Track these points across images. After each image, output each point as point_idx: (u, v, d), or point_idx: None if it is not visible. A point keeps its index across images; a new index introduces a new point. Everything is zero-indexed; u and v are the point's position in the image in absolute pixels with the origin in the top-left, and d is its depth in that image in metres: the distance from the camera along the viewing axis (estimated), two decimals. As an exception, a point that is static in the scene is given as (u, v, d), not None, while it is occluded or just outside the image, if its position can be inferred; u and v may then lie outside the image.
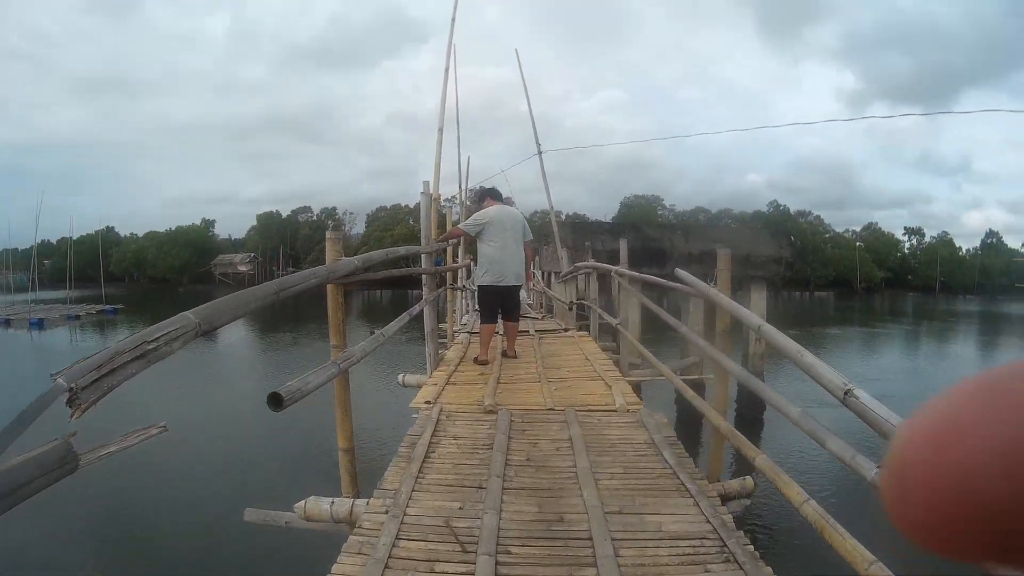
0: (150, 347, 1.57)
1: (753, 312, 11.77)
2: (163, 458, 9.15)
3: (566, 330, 10.04)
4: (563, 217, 75.54)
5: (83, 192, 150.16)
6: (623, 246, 7.59)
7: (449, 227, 9.21)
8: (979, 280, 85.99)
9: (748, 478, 3.80)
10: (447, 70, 10.65)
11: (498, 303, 7.46)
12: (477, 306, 8.41)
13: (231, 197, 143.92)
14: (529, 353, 7.75)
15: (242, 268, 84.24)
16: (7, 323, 40.31)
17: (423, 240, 6.79)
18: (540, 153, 13.39)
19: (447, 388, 5.86)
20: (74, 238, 65.10)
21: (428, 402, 5.23)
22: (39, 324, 39.01)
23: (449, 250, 9.37)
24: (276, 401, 2.45)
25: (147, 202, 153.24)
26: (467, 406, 5.22)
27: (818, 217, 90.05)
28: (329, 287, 3.76)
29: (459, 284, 9.25)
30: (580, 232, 17.64)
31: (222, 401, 15.42)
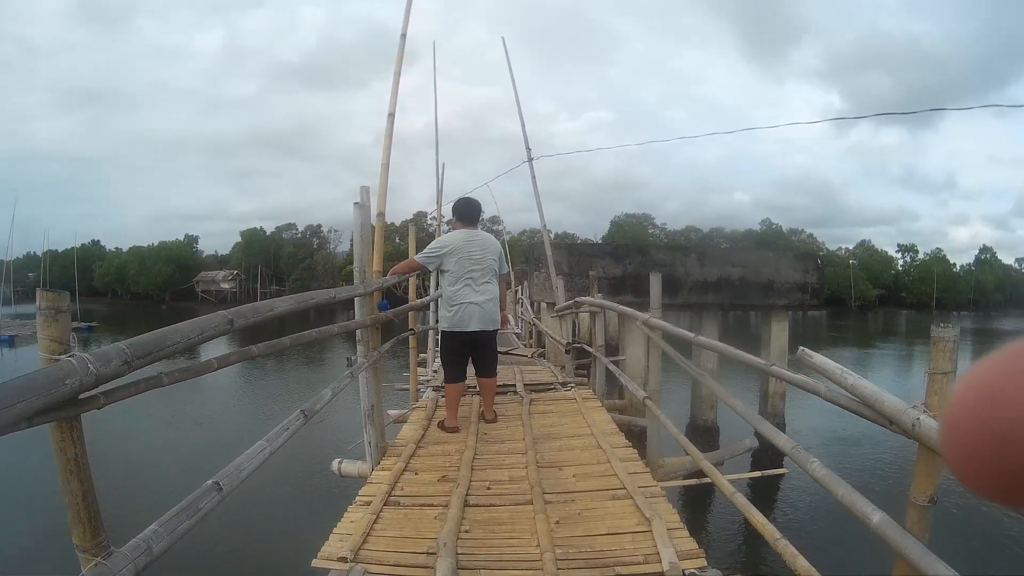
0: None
1: (775, 348, 9.62)
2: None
3: (564, 385, 7.83)
4: (552, 236, 74.63)
5: (69, 204, 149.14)
6: (655, 285, 5.41)
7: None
8: (974, 297, 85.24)
9: None
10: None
11: (465, 356, 5.74)
12: (440, 357, 6.29)
13: (217, 213, 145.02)
14: (516, 428, 5.64)
15: (224, 285, 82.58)
16: None
17: (356, 275, 4.63)
18: (531, 160, 11.24)
19: (388, 507, 3.71)
20: (59, 251, 62.57)
21: (343, 559, 3.05)
22: (10, 341, 37.22)
23: (413, 281, 7.21)
24: None
25: (133, 216, 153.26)
26: (411, 556, 3.09)
27: (811, 235, 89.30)
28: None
29: (419, 325, 6.99)
30: (577, 255, 15.36)
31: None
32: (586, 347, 8.26)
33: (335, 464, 5.20)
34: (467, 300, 5.52)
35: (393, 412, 7.41)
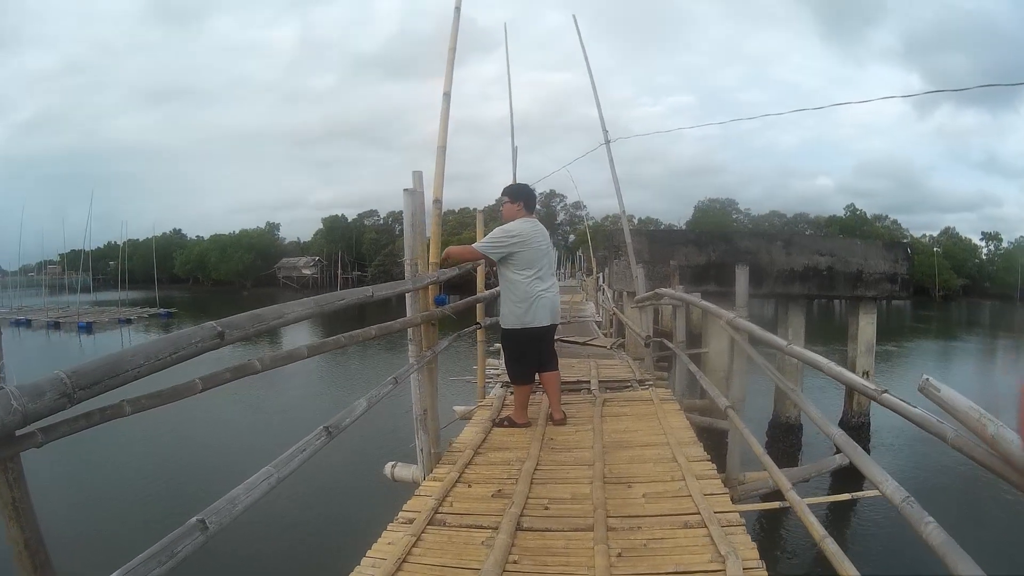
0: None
1: (861, 341, 8.83)
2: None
3: (641, 383, 7.33)
4: (635, 222, 73.50)
5: (150, 197, 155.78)
6: (742, 279, 4.88)
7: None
8: (1063, 287, 79.18)
9: None
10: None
11: (535, 354, 5.35)
12: (504, 357, 5.87)
13: (299, 202, 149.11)
14: (586, 433, 5.20)
15: (306, 272, 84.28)
16: (56, 326, 40.56)
17: (407, 268, 4.28)
18: (608, 143, 10.68)
19: (432, 527, 3.36)
20: (140, 240, 65.02)
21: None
22: (87, 328, 38.88)
23: (481, 271, 6.82)
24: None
25: (215, 206, 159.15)
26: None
27: (895, 222, 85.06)
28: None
29: (486, 319, 6.59)
30: (658, 243, 14.69)
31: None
32: (666, 342, 7.74)
33: (388, 467, 4.89)
34: (539, 293, 5.18)
35: (460, 408, 7.11)
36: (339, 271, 76.44)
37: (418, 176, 4.36)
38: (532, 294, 5.14)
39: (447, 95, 5.31)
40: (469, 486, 4.01)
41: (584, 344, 12.18)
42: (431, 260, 4.74)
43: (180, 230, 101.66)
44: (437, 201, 5.02)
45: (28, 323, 43.64)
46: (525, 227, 5.19)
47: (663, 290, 7.78)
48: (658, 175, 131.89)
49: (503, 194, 5.49)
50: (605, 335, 15.86)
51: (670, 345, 7.41)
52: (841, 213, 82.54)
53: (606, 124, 10.80)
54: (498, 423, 5.47)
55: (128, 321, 42.09)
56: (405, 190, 4.22)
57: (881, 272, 14.72)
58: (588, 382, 7.30)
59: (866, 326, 14.35)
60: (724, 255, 14.55)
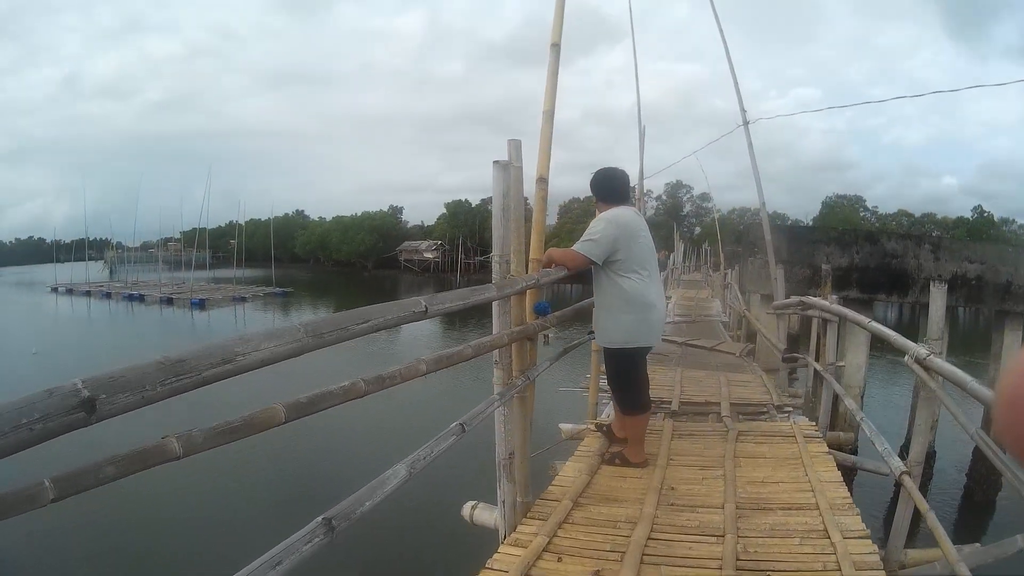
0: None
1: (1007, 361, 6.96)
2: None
3: (779, 409, 6.17)
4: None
5: (275, 177, 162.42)
6: (938, 299, 3.71)
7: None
8: None
9: None
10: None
11: (645, 373, 4.54)
12: (608, 381, 4.71)
13: (424, 186, 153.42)
14: (715, 482, 4.16)
15: (427, 255, 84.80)
16: (169, 301, 42.14)
17: (495, 266, 3.34)
18: (746, 124, 9.43)
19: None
20: (261, 219, 67.12)
21: None
22: (200, 304, 40.08)
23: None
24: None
25: (339, 188, 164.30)
26: None
27: (1023, 226, 77.71)
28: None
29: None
30: (797, 240, 13.25)
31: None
32: (815, 366, 6.49)
33: (467, 509, 3.99)
34: (652, 302, 4.17)
35: (566, 427, 6.15)
36: (461, 256, 76.61)
37: (515, 146, 3.40)
38: (646, 302, 4.12)
39: (556, 46, 4.25)
40: (559, 559, 3.08)
41: (711, 350, 10.99)
42: (532, 256, 3.83)
43: (303, 211, 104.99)
44: (542, 179, 4.06)
45: (141, 298, 45.76)
46: (629, 216, 4.19)
47: (812, 299, 6.51)
48: (785, 169, 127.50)
49: (603, 190, 4.38)
50: (732, 338, 14.56)
51: (818, 368, 6.21)
52: (967, 215, 76.72)
53: (732, 120, 9.62)
54: (608, 459, 4.50)
55: (243, 299, 43.12)
56: (496, 162, 3.26)
57: (1033, 285, 13.08)
58: (718, 405, 6.23)
59: (1012, 344, 12.70)
60: (868, 257, 13.15)
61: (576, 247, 4.09)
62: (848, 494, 3.94)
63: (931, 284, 3.85)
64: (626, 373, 4.31)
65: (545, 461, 5.28)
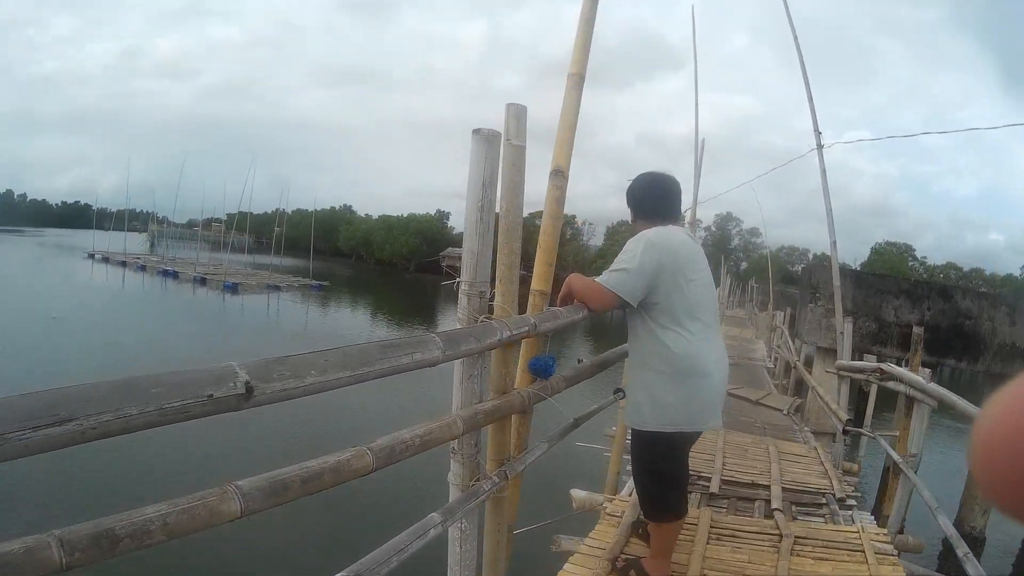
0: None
1: None
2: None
3: (841, 502, 4.89)
4: (811, 256, 68.01)
5: (325, 170, 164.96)
6: None
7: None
8: None
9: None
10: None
11: (687, 466, 3.18)
12: (632, 472, 3.29)
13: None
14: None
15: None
16: (203, 281, 41.71)
17: (461, 305, 2.13)
18: (820, 147, 8.14)
19: None
20: (308, 210, 66.68)
21: None
22: (233, 288, 39.64)
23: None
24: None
25: (388, 188, 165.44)
26: None
27: None
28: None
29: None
30: (864, 288, 11.83)
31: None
32: (894, 456, 5.07)
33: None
34: (707, 368, 2.81)
35: (579, 495, 4.95)
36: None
37: (516, 114, 2.25)
38: (698, 368, 2.78)
39: (574, 76, 2.90)
40: None
41: (757, 403, 9.70)
42: (535, 287, 2.67)
43: (351, 206, 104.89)
44: (558, 172, 2.79)
45: (175, 275, 45.36)
46: (679, 239, 2.89)
47: (898, 370, 5.16)
48: (835, 210, 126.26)
49: (641, 200, 3.10)
50: (778, 388, 13.20)
51: (896, 459, 4.89)
52: (1015, 272, 74.69)
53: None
54: (622, 569, 3.22)
55: (277, 288, 42.35)
56: (476, 132, 2.05)
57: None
58: (767, 488, 4.96)
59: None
60: (940, 315, 11.66)
61: (602, 279, 2.82)
62: None
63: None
64: (659, 467, 2.98)
65: (548, 534, 4.34)
